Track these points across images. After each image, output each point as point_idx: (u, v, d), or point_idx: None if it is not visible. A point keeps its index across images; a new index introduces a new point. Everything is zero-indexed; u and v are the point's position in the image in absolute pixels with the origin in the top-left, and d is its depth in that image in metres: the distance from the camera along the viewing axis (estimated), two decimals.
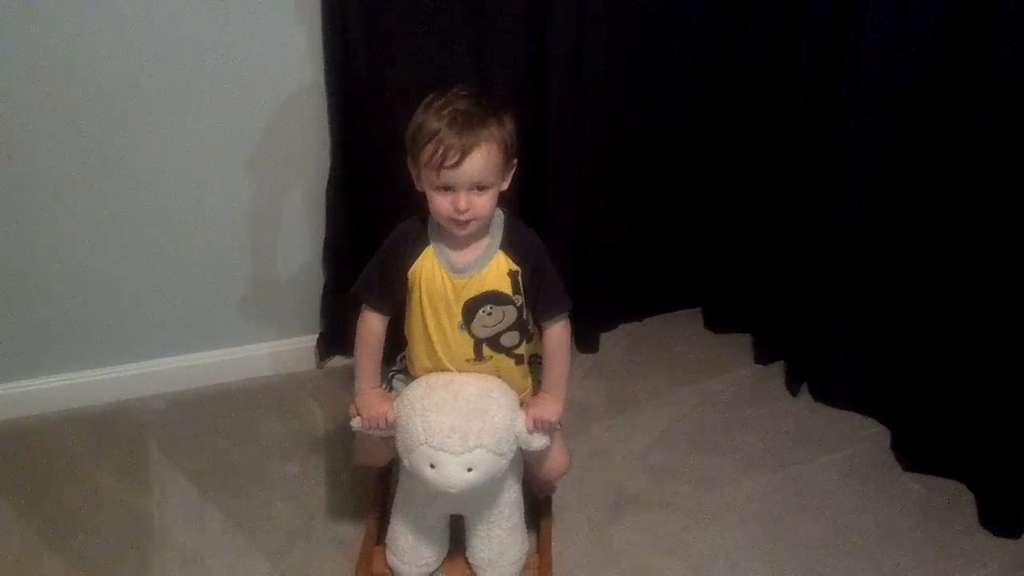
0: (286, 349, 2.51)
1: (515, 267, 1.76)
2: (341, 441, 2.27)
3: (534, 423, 1.76)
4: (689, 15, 2.40)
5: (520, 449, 1.80)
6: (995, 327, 2.10)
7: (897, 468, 2.29)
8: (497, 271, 1.75)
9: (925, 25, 2.04)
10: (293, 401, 2.43)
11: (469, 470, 1.68)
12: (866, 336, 2.39)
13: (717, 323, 2.74)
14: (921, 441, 2.28)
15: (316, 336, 2.50)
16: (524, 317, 1.81)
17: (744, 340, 2.68)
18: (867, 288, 2.35)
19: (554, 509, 2.11)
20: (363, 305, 1.81)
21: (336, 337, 2.48)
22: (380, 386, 1.84)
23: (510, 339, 1.81)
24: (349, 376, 2.34)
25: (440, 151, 1.63)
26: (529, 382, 1.89)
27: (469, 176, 1.65)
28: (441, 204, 1.68)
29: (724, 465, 2.28)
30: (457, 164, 1.63)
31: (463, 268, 1.75)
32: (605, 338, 2.66)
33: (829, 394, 2.49)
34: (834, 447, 2.34)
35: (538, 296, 1.79)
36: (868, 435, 2.39)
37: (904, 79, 2.10)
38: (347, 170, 2.30)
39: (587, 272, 2.54)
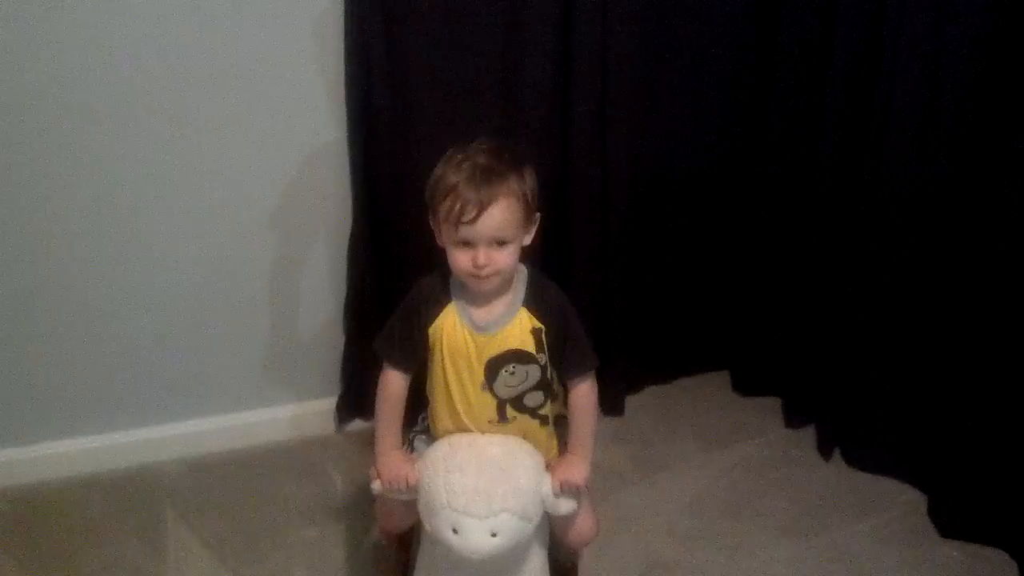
0: (306, 412, 2.46)
1: (539, 324, 1.72)
2: (361, 506, 2.22)
3: (561, 486, 1.70)
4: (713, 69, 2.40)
5: (546, 514, 1.74)
6: None
7: (934, 535, 2.22)
8: (520, 329, 1.71)
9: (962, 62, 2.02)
10: (312, 465, 2.38)
11: (493, 535, 1.62)
12: (900, 400, 2.34)
13: (745, 386, 2.69)
14: (959, 507, 2.21)
15: (336, 399, 2.44)
16: (548, 376, 1.76)
17: (773, 404, 2.62)
18: (901, 351, 2.30)
19: None
20: (384, 363, 1.76)
21: (356, 400, 2.44)
22: (401, 447, 1.79)
23: (534, 399, 1.76)
24: (369, 440, 2.28)
25: (458, 206, 1.61)
26: (554, 443, 1.84)
27: (488, 231, 1.61)
28: (460, 260, 1.64)
29: (756, 531, 2.21)
30: (475, 219, 1.60)
31: (485, 326, 1.71)
32: (631, 401, 2.60)
33: (862, 459, 2.43)
34: (869, 514, 2.27)
35: (563, 354, 1.74)
36: (903, 501, 2.31)
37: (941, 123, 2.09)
38: (369, 227, 2.28)
39: (613, 333, 2.50)
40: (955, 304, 2.17)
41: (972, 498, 2.18)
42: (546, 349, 1.73)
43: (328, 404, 2.46)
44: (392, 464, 1.72)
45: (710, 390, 2.69)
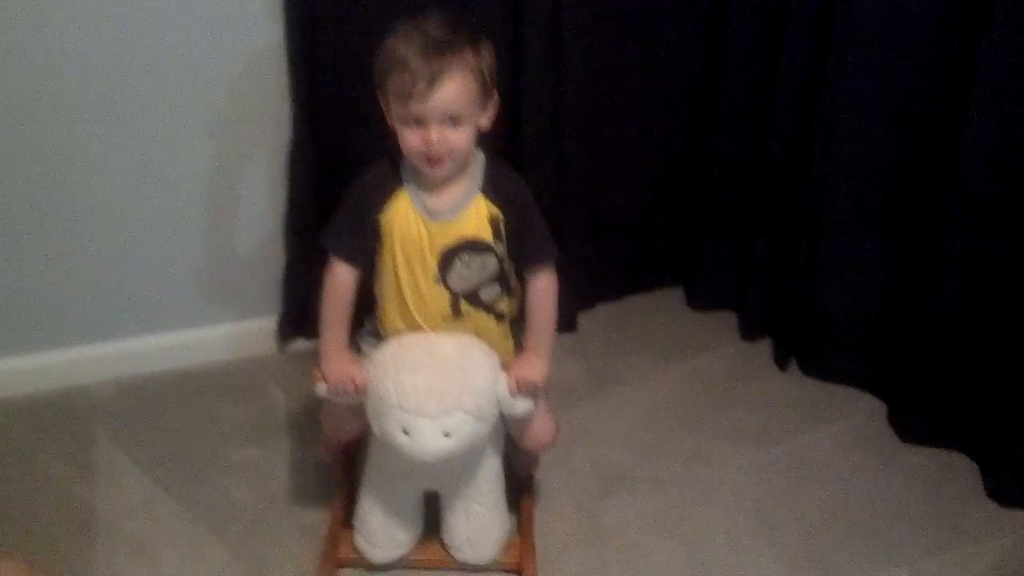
0: (245, 331, 2.34)
1: (497, 212, 1.62)
2: (305, 426, 2.13)
3: (517, 385, 1.61)
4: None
5: (502, 418, 1.66)
6: (992, 293, 2.01)
7: (895, 441, 2.18)
8: (477, 216, 1.61)
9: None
10: (253, 385, 2.27)
11: (446, 436, 1.54)
12: (857, 309, 2.28)
13: (700, 301, 2.61)
14: (919, 413, 2.18)
15: (277, 317, 2.33)
16: (506, 269, 1.67)
17: (728, 318, 2.55)
18: (858, 262, 2.25)
19: (536, 489, 1.98)
20: (331, 257, 1.65)
21: (299, 318, 2.31)
22: (348, 349, 1.68)
23: (490, 293, 1.67)
24: (313, 360, 2.20)
25: (408, 80, 1.49)
26: (510, 344, 1.75)
27: (441, 106, 1.50)
28: (411, 140, 1.54)
29: (715, 441, 2.16)
30: (426, 93, 1.49)
31: (439, 212, 1.60)
32: (583, 317, 2.52)
33: (820, 369, 2.37)
34: (828, 421, 2.22)
35: (522, 244, 1.65)
36: (862, 408, 2.27)
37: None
38: (311, 137, 2.13)
39: (565, 247, 2.38)
40: (910, 212, 2.12)
41: (931, 403, 2.15)
42: (504, 238, 1.63)
43: (269, 323, 2.33)
44: (339, 365, 1.62)
45: (664, 306, 2.60)
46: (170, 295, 2.26)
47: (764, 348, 2.46)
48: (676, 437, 2.16)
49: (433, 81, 1.48)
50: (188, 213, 2.19)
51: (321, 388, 1.62)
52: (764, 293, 2.44)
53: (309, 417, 2.13)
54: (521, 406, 1.63)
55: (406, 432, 1.53)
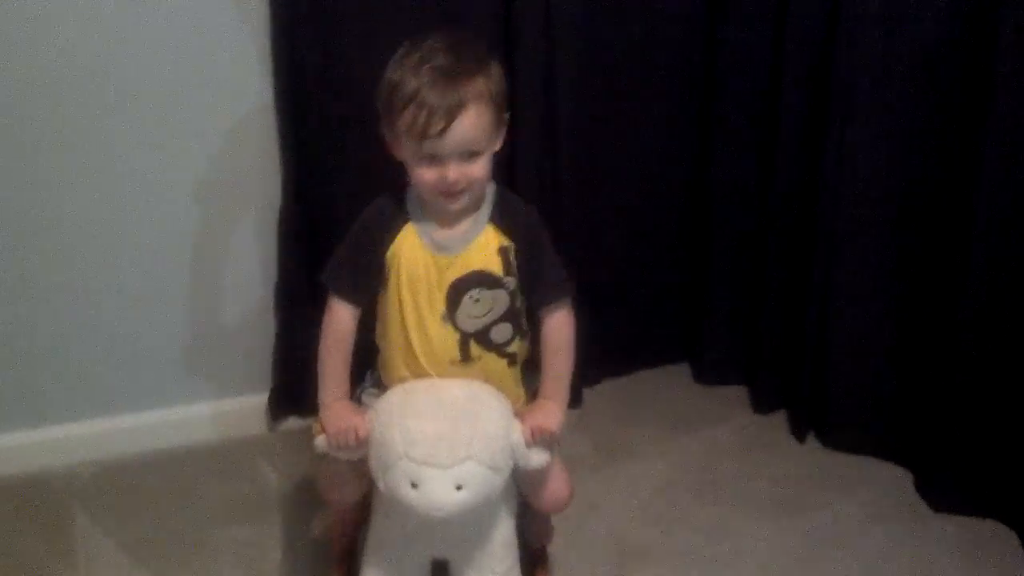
0: (234, 409, 2.21)
1: (507, 242, 1.52)
2: (301, 502, 2.00)
3: (532, 433, 1.48)
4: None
5: (514, 476, 1.53)
6: (1012, 350, 1.93)
7: (925, 510, 2.06)
8: (486, 248, 1.51)
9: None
10: (242, 465, 2.13)
11: (458, 488, 1.41)
12: (877, 377, 2.19)
13: (708, 376, 2.50)
14: (949, 481, 2.07)
15: (267, 394, 2.20)
16: (517, 306, 1.56)
17: (738, 392, 2.44)
18: (874, 327, 2.17)
19: (551, 564, 1.84)
20: (331, 295, 1.55)
21: (291, 395, 2.20)
22: (349, 398, 1.56)
23: (501, 333, 1.55)
24: (307, 438, 2.08)
25: (423, 118, 1.39)
26: (522, 391, 1.63)
27: (458, 144, 1.41)
28: (427, 177, 1.44)
29: (735, 513, 2.03)
30: (443, 132, 1.40)
31: (447, 245, 1.51)
32: (589, 393, 2.41)
33: (839, 440, 2.26)
34: (853, 492, 2.10)
35: (535, 279, 1.54)
36: (888, 478, 2.15)
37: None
38: (300, 203, 2.07)
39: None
40: (922, 274, 2.06)
41: (961, 471, 2.04)
42: (515, 272, 1.53)
43: (259, 400, 2.21)
44: (339, 415, 1.49)
45: (671, 380, 2.50)
46: (153, 371, 2.15)
47: (779, 420, 2.35)
48: (694, 509, 2.04)
49: (451, 118, 1.39)
50: (173, 285, 2.10)
51: (320, 441, 1.50)
52: (776, 365, 2.35)
53: (303, 494, 2.01)
54: (536, 458, 1.50)
55: (415, 485, 1.40)
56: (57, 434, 2.11)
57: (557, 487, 1.60)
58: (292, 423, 2.24)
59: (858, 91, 1.99)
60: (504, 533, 1.60)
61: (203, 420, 2.20)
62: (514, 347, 1.58)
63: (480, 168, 1.45)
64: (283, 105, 2.00)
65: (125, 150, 1.96)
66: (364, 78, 1.86)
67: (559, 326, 1.56)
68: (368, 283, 1.54)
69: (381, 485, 1.45)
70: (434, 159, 1.43)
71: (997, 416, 1.97)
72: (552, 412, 1.53)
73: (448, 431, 1.41)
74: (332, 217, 2.02)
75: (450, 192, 1.44)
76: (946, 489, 2.06)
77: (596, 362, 2.43)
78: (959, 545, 1.95)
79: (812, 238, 2.16)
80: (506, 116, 1.51)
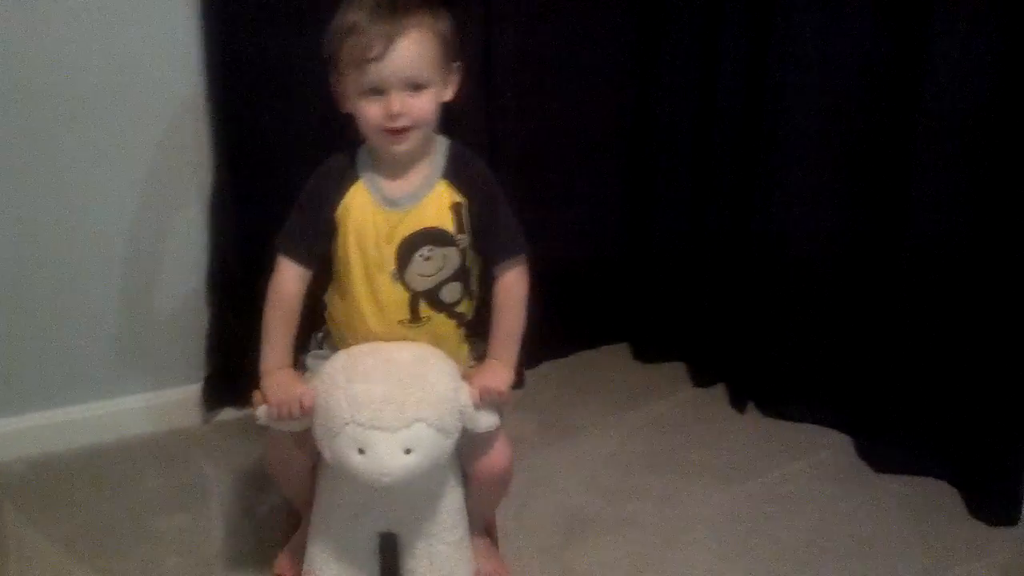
0: (167, 401, 2.15)
1: (461, 199, 1.49)
2: (240, 490, 1.95)
3: (480, 394, 1.45)
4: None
5: (457, 451, 1.50)
6: (953, 311, 1.96)
7: (869, 471, 2.08)
8: (438, 204, 1.48)
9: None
10: (178, 456, 2.06)
11: (407, 452, 1.37)
12: (814, 346, 2.21)
13: (647, 354, 2.50)
14: (890, 443, 2.08)
15: (201, 384, 2.14)
16: (468, 265, 1.53)
17: (678, 368, 2.45)
18: (807, 296, 2.18)
19: (498, 539, 1.81)
20: (279, 255, 1.50)
21: (226, 385, 2.15)
22: (292, 367, 1.51)
23: (451, 293, 1.52)
24: (243, 429, 2.05)
25: (362, 43, 1.37)
26: (466, 349, 1.60)
27: (399, 68, 1.38)
28: (371, 111, 1.41)
29: (683, 482, 2.03)
30: (383, 54, 1.37)
31: (398, 200, 1.47)
32: (531, 374, 2.38)
33: (779, 409, 2.28)
34: (797, 456, 2.12)
35: (489, 237, 1.51)
36: (830, 443, 2.17)
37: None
38: (232, 182, 2.01)
39: None
40: (855, 241, 2.09)
41: (901, 433, 2.07)
42: (468, 230, 1.50)
43: (193, 391, 2.15)
44: (282, 384, 1.45)
45: (611, 360, 2.50)
46: (82, 364, 2.08)
47: (718, 393, 2.35)
48: (642, 479, 2.03)
49: (390, 41, 1.36)
50: (104, 274, 2.04)
51: (262, 412, 1.45)
52: (713, 340, 2.36)
53: (241, 482, 1.96)
54: (485, 420, 1.48)
55: (362, 451, 1.37)
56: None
57: (499, 454, 1.56)
58: (227, 414, 2.18)
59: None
60: (454, 501, 1.57)
61: (137, 412, 2.13)
62: (463, 307, 1.56)
63: (425, 103, 1.41)
64: (216, 89, 1.96)
65: (55, 140, 1.90)
66: (296, 57, 1.87)
67: (512, 283, 1.54)
68: (317, 243, 1.50)
69: (327, 454, 1.41)
70: (376, 91, 1.40)
71: (935, 375, 2.00)
72: (500, 373, 1.51)
73: (396, 393, 1.37)
74: (265, 204, 1.95)
75: (394, 129, 1.40)
76: (887, 450, 2.08)
77: (536, 344, 2.38)
78: (905, 503, 1.97)
79: (748, 208, 2.17)
80: (456, 65, 1.47)
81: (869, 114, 1.99)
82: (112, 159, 1.95)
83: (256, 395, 1.48)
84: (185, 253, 2.08)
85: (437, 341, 1.52)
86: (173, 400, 2.15)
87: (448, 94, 1.47)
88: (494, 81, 2.09)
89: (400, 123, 1.39)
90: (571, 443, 2.15)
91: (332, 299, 1.56)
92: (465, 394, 1.45)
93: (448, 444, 1.43)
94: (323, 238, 1.50)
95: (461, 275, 1.52)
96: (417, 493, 1.50)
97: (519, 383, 2.31)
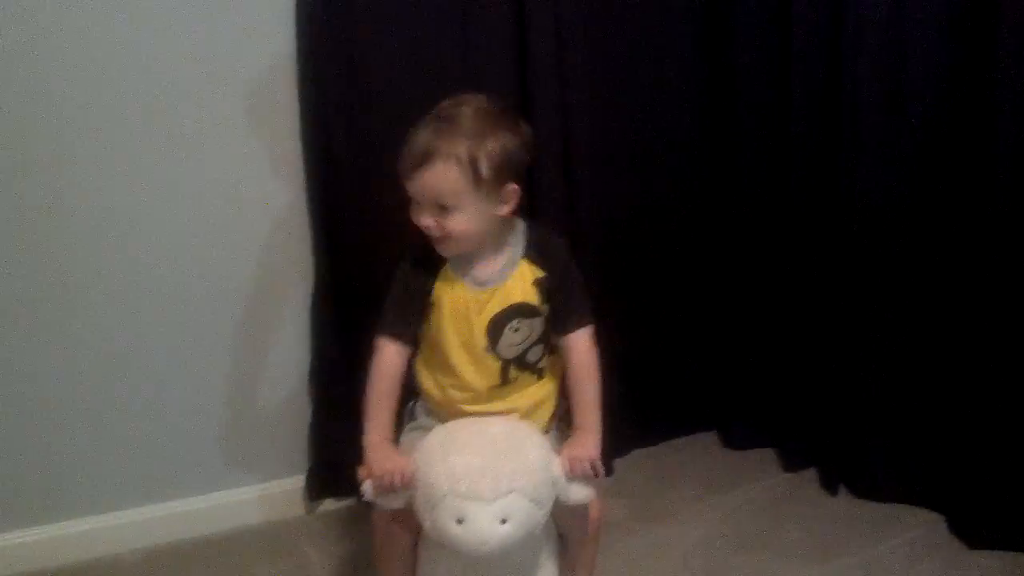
0: (274, 492, 2.25)
1: (542, 275, 1.61)
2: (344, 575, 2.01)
3: (571, 464, 1.53)
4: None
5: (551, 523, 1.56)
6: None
7: (963, 548, 2.07)
8: (523, 281, 1.60)
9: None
10: (284, 547, 2.15)
11: (503, 522, 1.45)
12: (903, 426, 2.23)
13: (736, 440, 2.54)
14: (983, 520, 2.08)
15: (305, 475, 2.24)
16: (547, 329, 1.65)
17: (767, 453, 2.48)
18: (898, 378, 2.22)
19: None
20: (379, 338, 1.62)
21: (327, 476, 2.24)
22: (394, 441, 1.61)
23: (535, 354, 1.65)
24: (346, 520, 2.13)
25: (405, 158, 1.53)
26: (551, 405, 1.70)
27: (423, 192, 1.53)
28: (412, 215, 1.56)
29: (775, 562, 2.05)
30: (411, 175, 1.52)
31: (485, 280, 1.59)
32: (620, 462, 2.44)
33: (871, 490, 2.28)
34: (889, 536, 2.13)
35: (563, 307, 1.62)
36: (923, 521, 2.17)
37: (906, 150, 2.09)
38: (332, 286, 2.14)
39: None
40: (940, 322, 2.12)
41: (994, 508, 2.06)
42: (548, 300, 1.62)
43: (298, 483, 2.25)
44: (384, 456, 1.54)
45: (700, 447, 2.53)
46: (193, 458, 2.18)
47: (810, 477, 2.37)
48: (733, 560, 2.06)
49: (418, 165, 1.51)
50: (212, 367, 2.15)
51: (367, 487, 1.53)
52: (803, 425, 2.38)
53: (346, 566, 2.04)
54: (576, 492, 1.55)
55: (460, 521, 1.44)
56: (102, 523, 2.13)
57: (592, 512, 1.66)
58: (329, 504, 2.27)
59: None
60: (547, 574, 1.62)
61: (245, 504, 2.23)
62: (543, 363, 1.67)
63: (457, 224, 1.53)
64: (314, 194, 2.09)
65: (163, 242, 2.04)
66: (392, 161, 2.00)
67: (585, 351, 1.64)
68: (416, 322, 1.62)
69: (427, 524, 1.49)
70: (414, 202, 1.54)
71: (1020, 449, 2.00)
72: (588, 444, 1.58)
73: (491, 464, 1.46)
74: (365, 299, 2.08)
75: (432, 236, 1.54)
76: (981, 526, 2.07)
77: (625, 433, 2.46)
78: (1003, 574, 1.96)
79: (833, 299, 2.22)
80: (511, 187, 1.57)
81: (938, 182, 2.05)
82: (220, 263, 2.09)
83: (361, 471, 1.56)
84: (288, 349, 2.19)
85: (523, 396, 1.64)
86: (279, 491, 2.25)
87: (505, 210, 1.57)
88: (573, 170, 2.19)
89: (433, 234, 1.53)
90: (662, 528, 2.18)
91: (421, 372, 1.67)
92: (557, 466, 1.52)
93: (541, 515, 1.50)
94: (420, 318, 1.62)
95: (543, 338, 1.64)
96: (512, 567, 1.55)
97: (609, 471, 2.37)
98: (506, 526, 1.44)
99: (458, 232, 1.54)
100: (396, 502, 1.53)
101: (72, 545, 2.11)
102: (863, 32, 2.03)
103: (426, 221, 1.53)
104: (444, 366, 1.62)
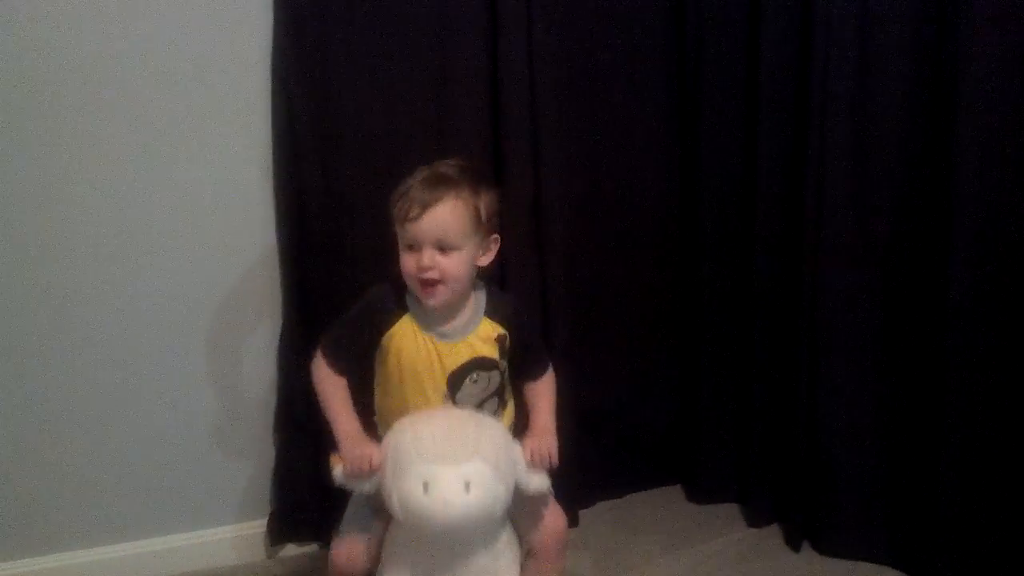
0: (246, 534, 2.23)
1: (503, 332, 1.72)
2: None
3: (531, 454, 1.61)
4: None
5: (513, 521, 1.59)
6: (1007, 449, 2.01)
7: None
8: (484, 336, 1.72)
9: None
10: None
11: (467, 487, 1.47)
12: (868, 483, 2.25)
13: (700, 495, 2.54)
14: None
15: (266, 519, 2.22)
16: (503, 382, 1.76)
17: (731, 508, 2.49)
18: (863, 435, 2.24)
19: None
20: (323, 360, 1.71)
21: (290, 519, 2.22)
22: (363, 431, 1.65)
23: (491, 407, 1.75)
24: (307, 567, 2.10)
25: (405, 205, 1.64)
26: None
27: (430, 231, 1.63)
28: (408, 263, 1.66)
29: None
30: (418, 216, 1.62)
31: (449, 333, 1.70)
32: (584, 514, 2.43)
33: (834, 547, 2.28)
34: None
35: (523, 360, 1.77)
36: None
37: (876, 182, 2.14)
38: (301, 327, 2.15)
39: (560, 448, 2.35)
40: (908, 378, 2.16)
41: (959, 570, 2.08)
42: (506, 355, 1.74)
43: (258, 527, 2.23)
44: (356, 443, 1.60)
45: (665, 500, 2.54)
46: (158, 499, 2.17)
47: (773, 533, 2.37)
48: None
49: (426, 206, 1.62)
50: (187, 407, 2.16)
51: (338, 471, 1.58)
52: (768, 481, 2.40)
53: None
54: (536, 481, 1.60)
55: (426, 487, 1.46)
56: (64, 561, 2.11)
57: (553, 522, 1.71)
58: (291, 549, 2.23)
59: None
60: (507, 557, 1.62)
61: (206, 546, 2.20)
62: (498, 414, 1.76)
63: (455, 263, 1.65)
64: (285, 234, 2.13)
65: (131, 280, 2.07)
66: (363, 204, 2.06)
67: (544, 380, 1.81)
68: (357, 359, 1.72)
69: (395, 502, 1.50)
70: (412, 246, 1.64)
71: (993, 514, 2.03)
72: (546, 438, 1.66)
73: (458, 431, 1.52)
74: None
75: (425, 280, 1.63)
76: None
77: (590, 484, 2.46)
78: None
79: (797, 350, 2.26)
80: (494, 236, 1.73)
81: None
82: (189, 297, 2.11)
83: (333, 458, 1.61)
84: (256, 394, 2.20)
85: None
86: (243, 535, 2.23)
87: (484, 260, 1.72)
88: (543, 229, 2.24)
89: (429, 275, 1.63)
90: None
91: (383, 408, 1.75)
92: (518, 451, 1.59)
93: (502, 492, 1.52)
94: (362, 357, 1.72)
95: (498, 392, 1.76)
96: (474, 568, 1.56)
97: (573, 523, 2.37)
98: (470, 494, 1.47)
99: (453, 275, 1.65)
100: (365, 487, 1.56)
101: None
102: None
103: (427, 260, 1.63)
104: (401, 411, 1.68)
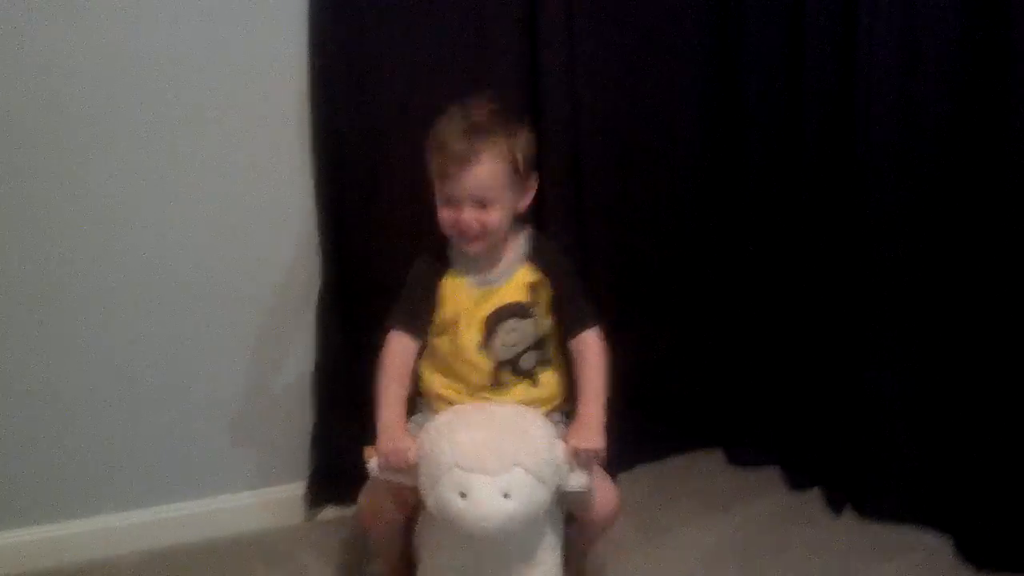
0: (276, 498, 2.23)
1: (540, 278, 1.69)
2: None
3: (574, 453, 1.56)
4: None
5: (558, 506, 1.56)
6: None
7: (970, 569, 2.05)
8: (521, 283, 1.68)
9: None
10: (282, 554, 2.13)
11: (506, 496, 1.44)
12: (910, 446, 2.21)
13: (740, 458, 2.52)
14: (991, 541, 2.06)
15: (305, 481, 2.22)
16: (540, 334, 1.70)
17: (772, 471, 2.46)
18: (905, 398, 2.20)
19: None
20: (390, 332, 1.69)
21: (329, 483, 2.22)
22: (405, 424, 1.63)
23: (529, 360, 1.71)
24: (344, 527, 2.11)
25: (444, 161, 1.60)
26: (545, 396, 1.73)
27: (470, 188, 1.60)
28: (444, 217, 1.64)
29: None
30: (458, 175, 1.58)
31: (489, 280, 1.68)
32: (623, 478, 2.41)
33: (876, 510, 2.26)
34: (894, 557, 2.10)
35: (565, 311, 1.70)
36: (928, 543, 2.14)
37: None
38: (339, 287, 2.13)
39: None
40: (952, 338, 2.11)
41: (1003, 530, 2.04)
42: (540, 302, 1.69)
43: (297, 489, 2.23)
44: (394, 438, 1.57)
45: (704, 464, 2.52)
46: (194, 462, 2.18)
47: (814, 496, 2.35)
48: None
49: (465, 163, 1.58)
50: (215, 372, 2.15)
51: (373, 464, 1.56)
52: (808, 444, 2.37)
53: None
54: (576, 480, 1.56)
55: (463, 495, 1.44)
56: (99, 525, 2.13)
57: (605, 499, 1.69)
58: (329, 512, 2.24)
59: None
60: (550, 560, 1.61)
61: (246, 509, 2.21)
62: (541, 376, 1.71)
63: (493, 218, 1.62)
64: (323, 196, 2.10)
65: (169, 246, 2.05)
66: (403, 157, 2.01)
67: (590, 344, 1.70)
68: (425, 317, 1.69)
69: (431, 502, 1.49)
70: (451, 201, 1.60)
71: None
72: (590, 433, 1.61)
73: (496, 439, 1.48)
74: (371, 302, 2.08)
75: (464, 234, 1.60)
76: (989, 548, 2.05)
77: (629, 448, 2.43)
78: None
79: (843, 313, 2.22)
80: (533, 179, 1.69)
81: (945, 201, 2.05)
82: (225, 261, 2.09)
83: (367, 450, 1.59)
84: (292, 353, 2.18)
85: (513, 398, 1.68)
86: (280, 497, 2.23)
87: (523, 204, 1.70)
88: (584, 187, 2.21)
89: (470, 232, 1.60)
90: (664, 544, 2.16)
91: (424, 371, 1.72)
92: (560, 451, 1.53)
93: (543, 496, 1.49)
94: (429, 315, 1.69)
95: (536, 344, 1.71)
96: (513, 556, 1.54)
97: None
98: (509, 502, 1.44)
99: (491, 227, 1.62)
100: (402, 480, 1.55)
101: (70, 546, 2.10)
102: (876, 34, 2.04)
103: (467, 217, 1.60)
104: (440, 363, 1.68)
